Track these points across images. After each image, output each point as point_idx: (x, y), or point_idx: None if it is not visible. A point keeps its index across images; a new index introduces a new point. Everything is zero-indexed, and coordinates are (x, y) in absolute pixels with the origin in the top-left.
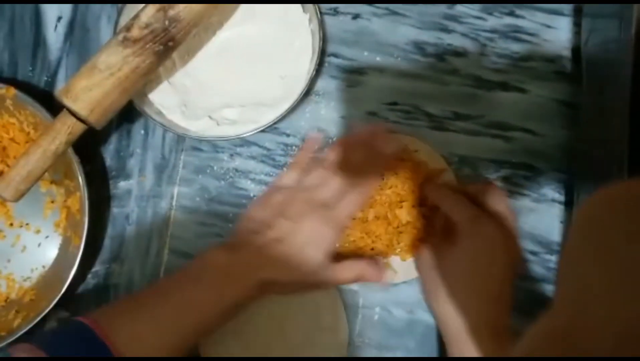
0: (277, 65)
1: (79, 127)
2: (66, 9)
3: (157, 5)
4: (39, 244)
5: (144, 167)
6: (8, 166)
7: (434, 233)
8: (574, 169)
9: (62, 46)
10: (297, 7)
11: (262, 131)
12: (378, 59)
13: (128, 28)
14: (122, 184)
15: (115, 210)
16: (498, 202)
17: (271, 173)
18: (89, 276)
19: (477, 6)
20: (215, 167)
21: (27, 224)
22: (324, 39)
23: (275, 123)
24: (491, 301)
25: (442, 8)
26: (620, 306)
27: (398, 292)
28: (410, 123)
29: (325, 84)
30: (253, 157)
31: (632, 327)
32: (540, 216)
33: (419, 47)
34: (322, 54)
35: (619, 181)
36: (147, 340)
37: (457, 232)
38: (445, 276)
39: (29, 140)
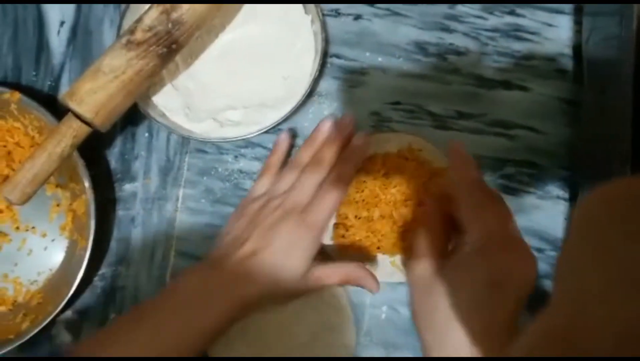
0: (279, 66)
1: (84, 130)
2: (69, 13)
3: (160, 8)
4: (45, 248)
5: (148, 169)
6: (13, 170)
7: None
8: (577, 166)
9: (65, 50)
10: (299, 8)
11: (266, 132)
12: (380, 59)
13: (132, 31)
14: (127, 187)
15: (120, 213)
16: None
17: None
18: (96, 278)
19: (477, 6)
20: (219, 169)
21: (33, 227)
22: (326, 40)
23: (278, 124)
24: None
25: (443, 8)
26: (619, 306)
27: (405, 291)
28: (413, 122)
29: (328, 85)
30: (257, 159)
31: (631, 327)
32: (545, 213)
33: (421, 47)
34: (325, 55)
35: (618, 178)
36: None
37: (462, 232)
38: (447, 294)
39: (33, 144)
